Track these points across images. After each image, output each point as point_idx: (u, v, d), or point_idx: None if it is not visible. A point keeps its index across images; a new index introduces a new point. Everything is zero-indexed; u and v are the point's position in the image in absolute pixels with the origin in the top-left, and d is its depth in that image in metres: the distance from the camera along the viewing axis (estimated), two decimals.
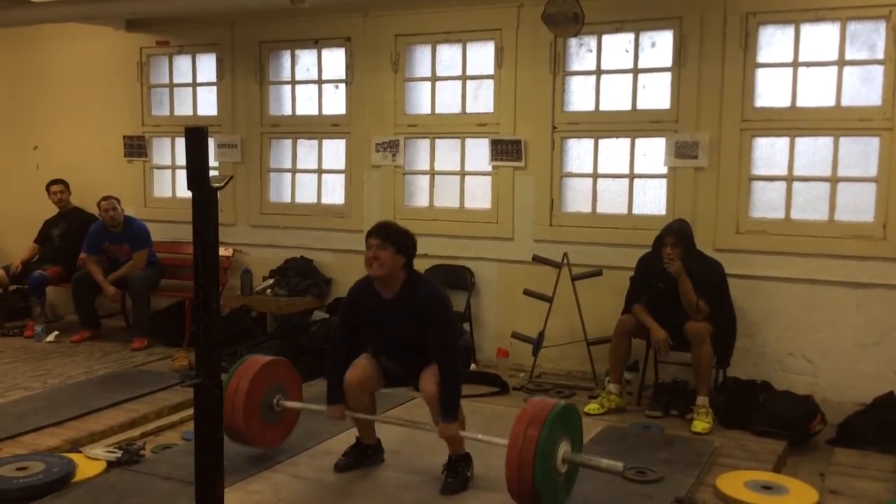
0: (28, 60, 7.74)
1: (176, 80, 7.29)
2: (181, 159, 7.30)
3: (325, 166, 6.79)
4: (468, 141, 6.19)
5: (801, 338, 5.26)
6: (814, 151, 5.26)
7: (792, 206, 5.31)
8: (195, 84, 7.21)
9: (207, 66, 7.10)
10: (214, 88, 7.06)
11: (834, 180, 5.19)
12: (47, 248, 7.19)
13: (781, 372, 5.28)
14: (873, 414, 4.68)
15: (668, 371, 5.27)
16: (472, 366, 5.92)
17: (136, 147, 7.35)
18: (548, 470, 3.18)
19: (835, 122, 5.14)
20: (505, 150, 5.99)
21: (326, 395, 3.94)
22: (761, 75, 5.32)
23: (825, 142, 5.20)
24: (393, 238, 3.67)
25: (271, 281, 6.57)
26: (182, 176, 7.31)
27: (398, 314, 3.73)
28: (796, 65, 5.22)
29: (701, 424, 4.66)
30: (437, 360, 3.69)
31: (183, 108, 7.28)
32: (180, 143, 7.28)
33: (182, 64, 7.26)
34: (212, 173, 2.52)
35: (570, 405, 3.41)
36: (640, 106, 5.66)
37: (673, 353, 4.95)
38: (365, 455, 4.03)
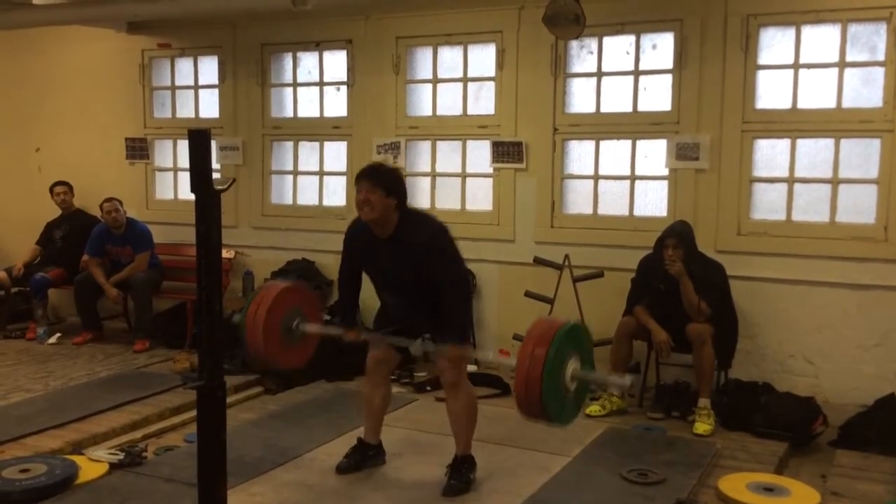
0: (30, 63, 7.75)
1: (178, 83, 7.31)
2: (183, 161, 7.30)
3: (326, 168, 6.80)
4: (469, 143, 6.20)
5: (803, 339, 5.26)
6: (815, 153, 5.26)
7: (793, 207, 5.32)
8: (197, 86, 7.22)
9: (209, 68, 7.11)
10: (216, 91, 7.07)
11: (835, 182, 5.20)
12: (49, 250, 7.20)
13: (783, 373, 5.28)
14: (875, 415, 4.67)
15: (669, 373, 5.27)
16: (474, 367, 5.93)
17: (138, 149, 7.36)
18: (556, 388, 3.14)
19: (836, 123, 5.15)
20: (506, 151, 5.99)
21: (340, 320, 3.97)
22: (762, 77, 5.33)
23: (826, 143, 5.21)
24: (383, 180, 3.61)
25: None
26: (184, 178, 7.32)
27: (395, 254, 3.69)
28: (797, 66, 5.23)
29: (703, 426, 4.66)
30: (444, 295, 3.65)
31: (185, 111, 7.29)
32: (182, 145, 7.29)
33: (184, 66, 7.27)
34: (214, 175, 2.52)
35: (577, 324, 3.37)
36: (641, 108, 5.67)
37: (674, 355, 4.95)
38: (367, 456, 4.04)
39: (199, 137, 2.40)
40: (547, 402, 3.10)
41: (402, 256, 3.67)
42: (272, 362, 3.93)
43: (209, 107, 7.15)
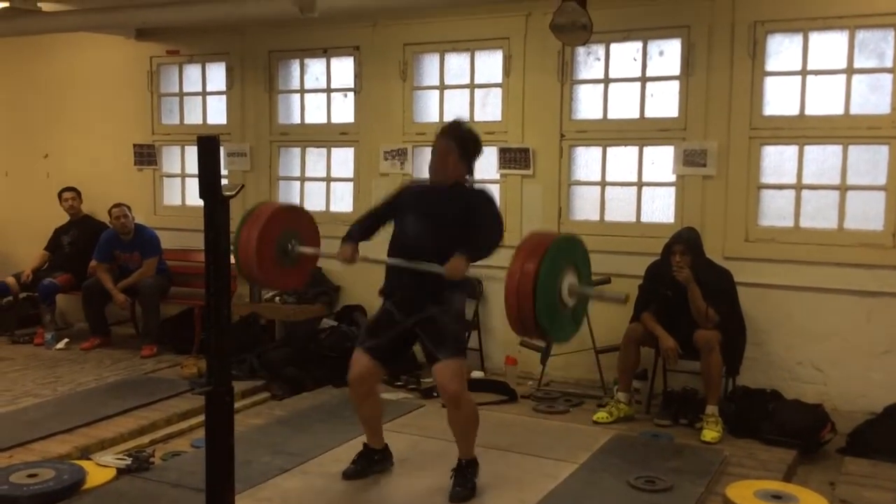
0: (39, 69, 7.80)
1: (186, 89, 7.34)
2: (191, 167, 7.33)
3: (333, 174, 6.81)
4: None
5: (811, 346, 5.25)
6: (823, 160, 5.26)
7: (801, 214, 5.31)
8: (205, 93, 7.25)
9: (217, 74, 7.14)
10: (224, 97, 7.10)
11: (843, 189, 5.19)
12: (58, 256, 7.23)
13: (791, 381, 5.26)
14: (884, 423, 4.65)
15: (677, 379, 5.26)
16: (481, 373, 5.93)
17: (147, 155, 7.40)
18: (551, 304, 3.05)
19: (843, 130, 5.14)
20: (513, 158, 6.00)
21: (344, 237, 3.93)
22: (770, 84, 5.33)
23: (834, 150, 5.20)
24: (461, 142, 3.78)
25: None
26: (192, 184, 7.35)
27: (447, 199, 3.76)
28: (805, 73, 5.23)
29: (710, 433, 4.65)
30: (476, 235, 3.67)
31: (193, 117, 7.32)
32: (190, 151, 7.32)
33: (192, 73, 7.31)
34: (222, 182, 2.54)
35: (572, 236, 3.29)
36: (648, 114, 5.67)
37: (682, 362, 4.94)
38: (373, 461, 4.04)
39: (208, 144, 2.41)
40: (541, 318, 3.00)
41: (450, 200, 3.74)
42: (266, 284, 3.86)
43: (217, 113, 7.18)
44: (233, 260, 2.84)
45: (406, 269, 3.72)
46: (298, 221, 3.88)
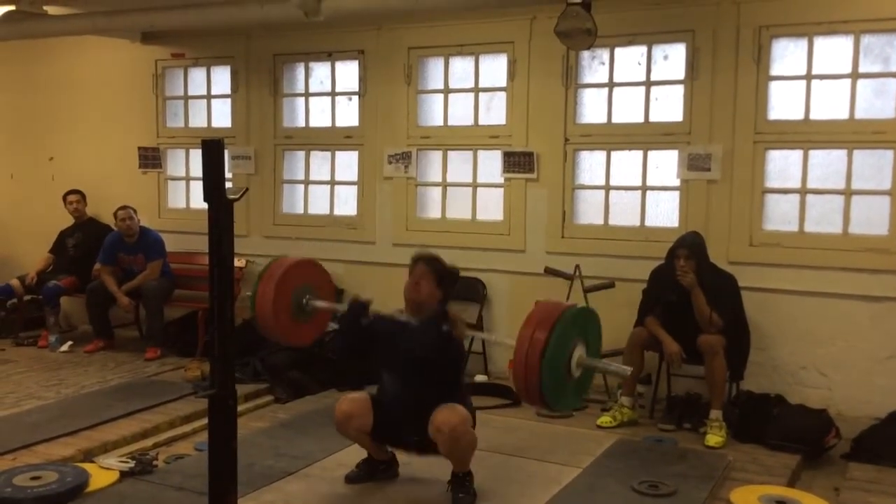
0: (44, 72, 7.82)
1: (191, 92, 7.35)
2: (195, 170, 7.34)
3: (337, 178, 6.82)
4: (480, 153, 6.21)
5: (815, 351, 5.23)
6: (827, 164, 5.25)
7: (806, 218, 5.30)
8: (210, 96, 7.26)
9: (222, 78, 7.15)
10: (229, 100, 7.11)
11: (848, 193, 5.18)
12: (62, 259, 7.24)
13: (795, 385, 5.25)
14: (888, 428, 4.64)
15: (681, 384, 5.25)
16: (484, 377, 5.92)
17: (151, 158, 7.41)
18: (557, 375, 3.05)
19: (848, 134, 5.13)
20: (517, 162, 6.00)
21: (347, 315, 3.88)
22: (774, 88, 5.32)
23: (839, 154, 5.19)
24: (437, 271, 3.77)
25: None
26: (196, 187, 7.36)
27: (420, 332, 3.68)
28: (809, 77, 5.22)
29: (714, 438, 4.63)
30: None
31: (197, 120, 7.34)
32: (195, 154, 7.33)
33: (197, 76, 7.32)
34: (226, 185, 2.54)
35: (584, 308, 3.27)
36: (652, 118, 5.67)
37: (686, 367, 4.93)
38: (377, 469, 4.03)
39: (212, 147, 2.41)
40: (546, 389, 3.00)
41: (423, 337, 3.65)
42: (282, 339, 3.89)
43: (222, 116, 7.19)
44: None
45: (401, 413, 3.73)
46: (313, 276, 3.94)
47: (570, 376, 3.13)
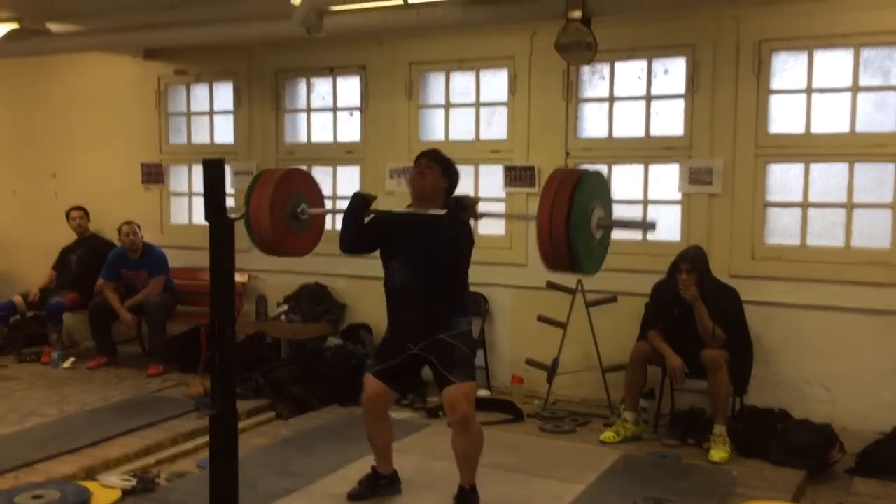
0: (47, 88, 7.85)
1: (193, 109, 7.38)
2: (198, 186, 7.36)
3: (339, 193, 6.83)
4: (482, 167, 6.22)
5: (819, 365, 5.21)
6: (829, 177, 5.25)
7: (808, 232, 5.29)
8: (212, 112, 7.29)
9: (224, 94, 7.18)
10: (231, 116, 7.14)
11: (849, 207, 5.17)
12: (65, 275, 7.25)
13: (799, 400, 5.22)
14: (893, 443, 4.62)
15: (684, 399, 5.23)
16: (487, 392, 5.91)
17: (154, 174, 7.43)
18: (584, 234, 3.01)
19: (849, 148, 5.13)
20: (518, 176, 6.01)
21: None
22: (775, 102, 5.33)
23: (840, 168, 5.19)
24: (442, 161, 3.86)
25: (286, 307, 6.59)
26: (198, 203, 7.37)
27: (425, 226, 3.73)
28: (810, 91, 5.23)
29: (718, 453, 4.62)
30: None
31: (200, 136, 7.36)
32: (197, 170, 7.34)
33: (199, 92, 7.35)
34: (228, 201, 2.55)
35: (598, 173, 3.24)
36: (653, 132, 5.68)
37: (689, 381, 4.91)
38: (379, 485, 4.01)
39: (213, 167, 2.42)
40: (574, 246, 2.96)
41: (431, 227, 3.69)
42: (280, 250, 3.84)
43: (224, 132, 7.22)
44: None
45: (409, 305, 3.75)
46: (302, 185, 3.88)
47: (593, 237, 3.11)
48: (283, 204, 3.61)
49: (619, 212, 5.90)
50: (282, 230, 3.61)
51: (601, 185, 3.22)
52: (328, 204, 6.84)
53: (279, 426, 5.32)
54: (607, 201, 3.23)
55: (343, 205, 6.83)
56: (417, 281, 3.73)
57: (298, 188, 3.75)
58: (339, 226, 6.77)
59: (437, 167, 3.83)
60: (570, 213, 2.94)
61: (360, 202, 3.91)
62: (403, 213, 3.89)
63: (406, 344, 3.79)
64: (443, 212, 3.66)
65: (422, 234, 3.72)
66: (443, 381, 3.72)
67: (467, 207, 3.67)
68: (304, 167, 6.91)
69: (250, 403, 5.47)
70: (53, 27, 6.20)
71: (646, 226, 3.51)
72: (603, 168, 5.84)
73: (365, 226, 3.92)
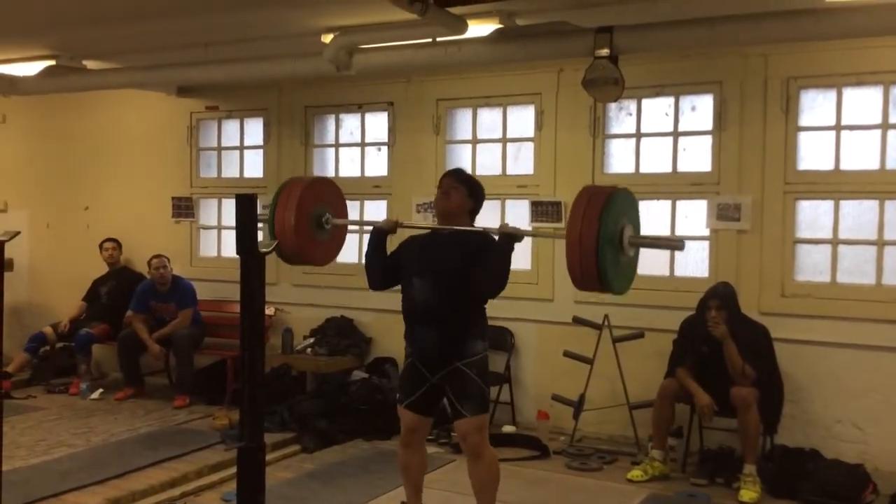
0: (81, 123, 8.01)
1: (224, 143, 7.50)
2: (227, 220, 7.45)
3: (366, 228, 6.85)
4: (508, 202, 6.24)
5: (850, 404, 5.13)
6: (859, 214, 5.21)
7: (838, 269, 5.24)
8: (242, 147, 7.40)
9: (255, 129, 7.30)
10: (261, 151, 7.24)
11: (880, 244, 5.12)
12: (95, 306, 7.34)
13: (830, 439, 5.13)
14: None
15: (713, 437, 5.16)
16: (512, 428, 5.86)
17: (184, 208, 7.53)
18: (613, 252, 2.99)
19: (880, 185, 5.10)
20: (545, 211, 6.02)
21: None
22: (804, 138, 5.32)
23: (870, 205, 5.15)
24: (468, 182, 3.85)
25: (311, 340, 6.61)
26: (227, 236, 7.46)
27: (450, 243, 3.74)
28: (839, 128, 5.21)
29: (748, 494, 4.54)
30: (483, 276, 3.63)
31: (230, 171, 7.47)
32: (226, 203, 7.45)
33: (230, 128, 7.47)
34: (258, 235, 2.58)
35: (627, 190, 3.20)
36: (680, 168, 5.68)
37: (718, 419, 4.86)
38: None
39: (245, 202, 2.45)
40: (603, 265, 2.93)
41: (457, 246, 3.72)
42: (305, 258, 3.83)
43: (254, 166, 7.32)
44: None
45: (427, 323, 3.72)
46: (328, 194, 3.90)
47: (624, 254, 3.08)
48: (309, 211, 3.64)
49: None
50: (306, 237, 3.63)
51: (630, 203, 3.20)
52: (355, 238, 6.91)
53: (304, 460, 5.31)
54: (636, 219, 3.21)
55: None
56: (438, 299, 3.70)
57: (324, 198, 3.78)
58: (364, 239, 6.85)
59: (462, 187, 3.82)
60: (600, 232, 2.92)
61: (379, 236, 3.94)
62: (435, 229, 3.90)
63: (425, 373, 3.78)
64: (495, 228, 3.65)
65: (447, 254, 3.73)
66: (456, 414, 3.72)
67: (511, 231, 3.65)
68: None
69: (275, 436, 5.47)
70: (90, 64, 6.35)
71: (675, 244, 3.46)
72: None
73: (389, 257, 3.94)
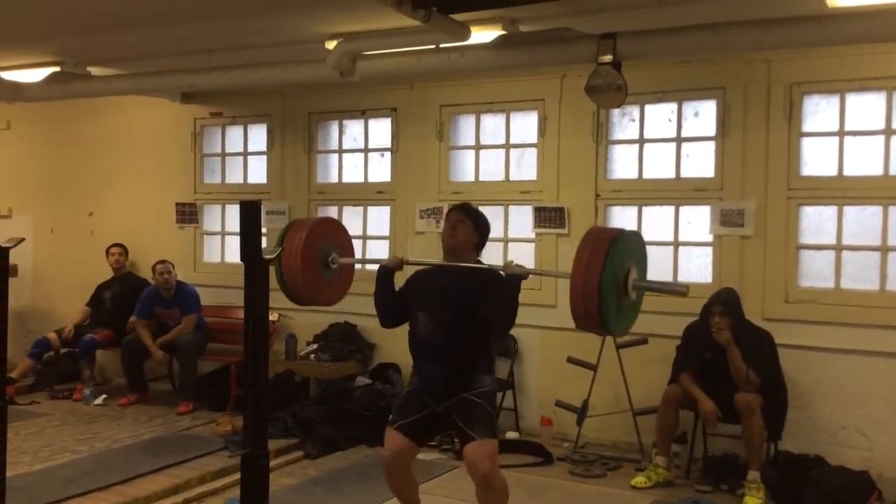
0: (86, 130, 8.03)
1: (228, 150, 7.52)
2: (231, 225, 7.46)
3: (369, 232, 6.88)
4: (511, 208, 6.24)
5: (855, 410, 5.11)
6: (862, 220, 5.20)
7: (842, 275, 5.24)
8: (246, 153, 7.42)
9: (258, 135, 7.31)
10: (264, 157, 7.26)
11: (884, 249, 5.11)
12: (99, 311, 7.35)
13: (835, 446, 5.12)
14: None
15: (717, 444, 5.15)
16: (515, 434, 5.86)
17: (188, 214, 7.54)
18: (616, 296, 3.00)
19: (883, 190, 5.09)
20: (548, 217, 6.02)
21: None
22: (807, 144, 5.31)
23: (874, 210, 5.15)
24: (473, 216, 3.87)
25: (315, 346, 6.61)
26: (231, 242, 7.47)
27: (456, 279, 3.75)
28: (842, 134, 5.21)
29: (753, 500, 4.53)
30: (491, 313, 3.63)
31: (234, 177, 7.48)
32: (230, 209, 7.46)
33: (234, 134, 7.49)
34: (262, 244, 2.58)
35: (635, 232, 3.21)
36: (683, 174, 5.68)
37: (722, 426, 4.84)
38: None
39: (250, 208, 2.46)
40: (605, 309, 2.95)
41: (464, 283, 3.72)
42: (312, 298, 3.82)
43: (257, 172, 7.33)
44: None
45: (435, 359, 3.71)
46: (334, 234, 3.91)
47: (627, 298, 3.08)
48: (316, 253, 3.66)
49: (649, 252, 5.91)
50: (314, 280, 3.66)
51: (636, 244, 3.21)
52: (358, 243, 6.91)
53: (307, 466, 5.31)
54: (642, 259, 3.22)
55: (373, 244, 6.96)
56: (444, 335, 3.70)
57: (329, 238, 3.80)
58: (368, 264, 6.85)
59: (468, 222, 3.83)
60: (603, 277, 2.93)
61: (385, 274, 3.94)
62: (446, 266, 3.88)
63: (430, 402, 3.75)
64: (500, 265, 3.71)
65: (454, 289, 3.73)
66: (465, 438, 3.65)
67: (518, 271, 3.65)
68: (335, 207, 7.01)
69: (279, 442, 5.46)
70: (94, 70, 6.37)
71: (678, 290, 3.49)
72: (633, 210, 5.86)
73: (398, 294, 3.93)
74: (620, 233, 3.14)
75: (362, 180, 6.90)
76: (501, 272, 3.68)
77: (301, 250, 3.60)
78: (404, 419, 3.78)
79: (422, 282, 3.90)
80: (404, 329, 3.94)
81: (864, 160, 5.16)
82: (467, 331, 3.69)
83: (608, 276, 2.95)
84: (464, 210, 3.89)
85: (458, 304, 3.69)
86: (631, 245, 3.15)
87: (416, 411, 3.77)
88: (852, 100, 5.19)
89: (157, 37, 5.32)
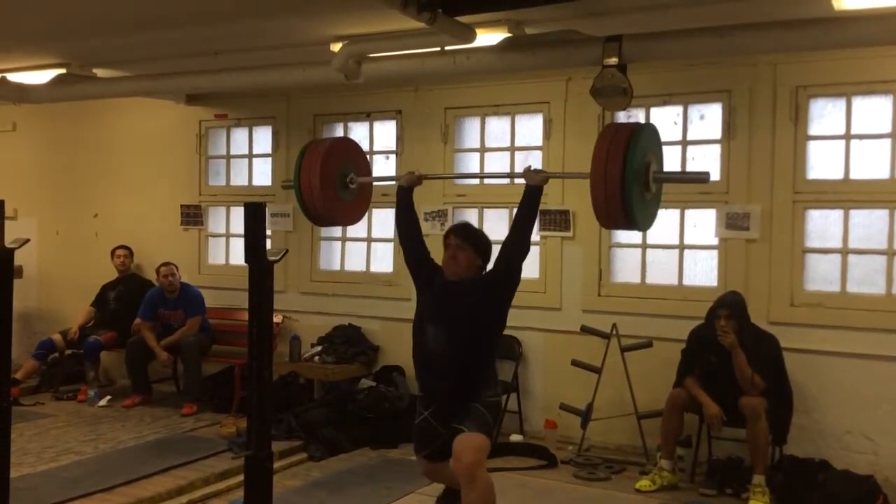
0: (91, 131, 8.05)
1: (233, 152, 7.52)
2: (235, 228, 7.47)
3: (374, 235, 6.88)
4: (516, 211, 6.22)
5: (861, 415, 5.10)
6: (869, 224, 5.19)
7: (848, 278, 5.22)
8: (251, 155, 7.42)
9: (263, 137, 7.32)
10: (269, 159, 7.26)
11: (890, 253, 5.10)
12: (103, 312, 7.36)
13: (840, 450, 5.10)
14: None
15: (722, 447, 5.13)
16: (519, 437, 5.85)
17: (193, 216, 7.55)
18: (639, 188, 2.94)
19: (889, 194, 5.07)
20: (553, 220, 6.01)
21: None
22: (813, 147, 5.30)
23: (881, 214, 5.13)
24: (472, 239, 3.79)
25: (319, 348, 6.61)
26: (235, 244, 7.48)
27: (464, 293, 3.73)
28: (849, 137, 5.20)
29: None
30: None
31: (238, 179, 7.49)
32: (235, 211, 7.47)
33: (239, 136, 7.50)
34: (266, 243, 2.58)
35: (651, 125, 3.14)
36: None
37: (727, 429, 4.83)
38: (458, 498, 3.78)
39: (254, 211, 2.46)
40: (629, 201, 2.89)
41: (468, 292, 3.72)
42: (332, 218, 3.81)
43: (262, 175, 7.33)
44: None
45: (441, 374, 3.71)
46: (349, 153, 3.88)
47: (649, 191, 3.03)
48: (333, 174, 3.62)
49: (654, 256, 5.92)
50: (334, 200, 3.65)
51: (655, 137, 3.14)
52: (362, 245, 6.91)
53: (311, 468, 5.30)
54: (660, 153, 3.15)
55: (378, 246, 6.95)
56: (450, 349, 3.69)
57: (345, 158, 3.76)
58: (373, 266, 6.85)
59: (468, 247, 3.77)
60: (625, 169, 2.86)
61: (403, 194, 4.02)
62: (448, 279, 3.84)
63: (438, 429, 3.75)
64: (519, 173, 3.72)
65: (462, 301, 3.72)
66: (455, 432, 3.63)
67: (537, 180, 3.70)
68: None
69: (283, 444, 5.46)
70: (99, 72, 6.38)
71: (700, 178, 3.40)
72: None
73: (422, 242, 3.98)
74: (639, 125, 3.08)
75: None
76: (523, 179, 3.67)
77: (319, 172, 3.56)
78: (425, 449, 3.86)
79: (439, 288, 3.83)
80: (409, 332, 3.94)
81: (871, 164, 5.15)
82: (475, 346, 3.69)
83: (630, 170, 2.88)
84: (462, 235, 3.80)
85: (467, 317, 3.69)
86: (650, 137, 3.08)
87: (431, 443, 3.82)
88: (859, 103, 5.18)
89: (163, 39, 5.33)
